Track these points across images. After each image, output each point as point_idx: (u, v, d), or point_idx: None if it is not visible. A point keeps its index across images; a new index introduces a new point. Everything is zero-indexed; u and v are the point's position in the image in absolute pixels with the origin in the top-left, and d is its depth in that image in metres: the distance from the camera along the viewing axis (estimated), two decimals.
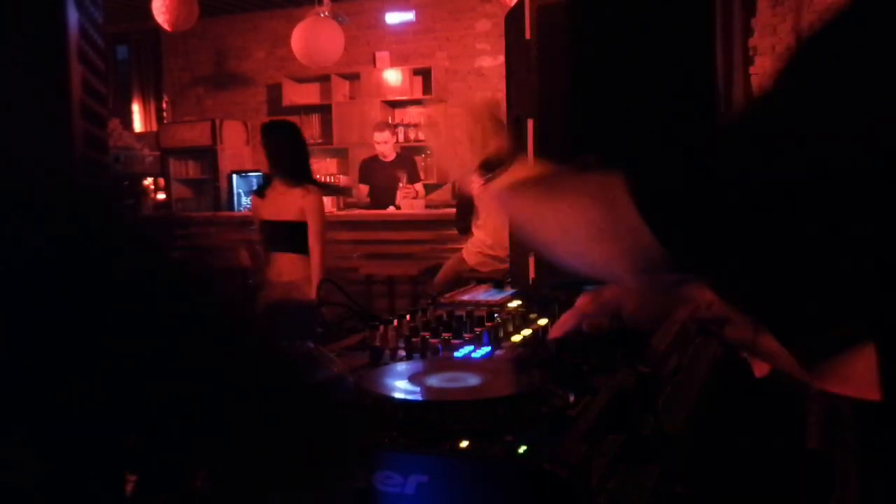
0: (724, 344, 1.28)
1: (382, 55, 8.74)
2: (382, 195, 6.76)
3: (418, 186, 7.02)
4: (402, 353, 1.04)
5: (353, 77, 8.83)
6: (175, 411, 0.45)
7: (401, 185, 6.77)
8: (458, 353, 1.03)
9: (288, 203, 3.97)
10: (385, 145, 6.83)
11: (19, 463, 0.40)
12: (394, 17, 8.67)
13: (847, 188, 0.55)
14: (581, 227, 0.75)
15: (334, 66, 7.91)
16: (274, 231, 4.06)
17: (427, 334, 1.09)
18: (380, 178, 6.86)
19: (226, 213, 8.11)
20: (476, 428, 0.72)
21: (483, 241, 5.15)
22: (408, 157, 7.31)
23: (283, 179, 4.01)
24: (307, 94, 9.13)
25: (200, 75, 9.63)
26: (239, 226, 6.93)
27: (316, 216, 3.98)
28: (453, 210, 6.04)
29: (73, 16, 0.44)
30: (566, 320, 1.08)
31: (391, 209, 6.68)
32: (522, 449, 0.67)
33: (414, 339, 1.06)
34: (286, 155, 4.08)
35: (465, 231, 5.18)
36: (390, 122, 8.57)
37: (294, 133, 4.22)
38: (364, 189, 6.92)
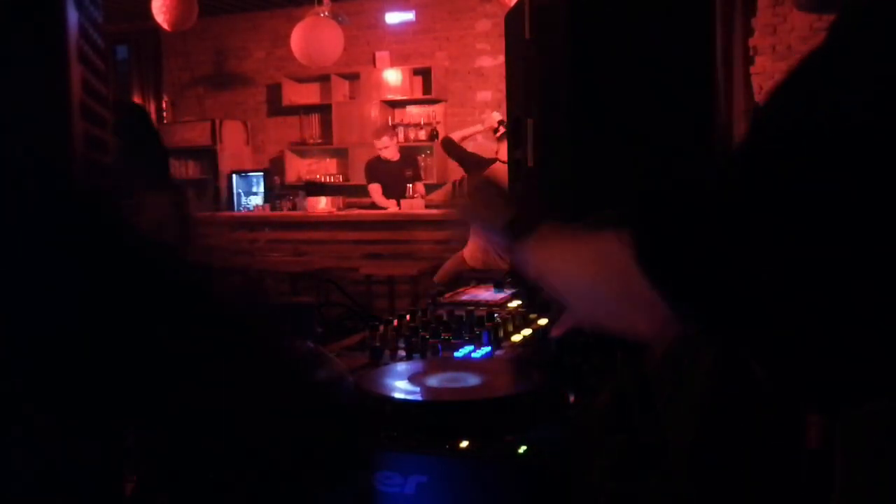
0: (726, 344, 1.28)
1: (382, 55, 8.74)
2: (390, 194, 6.83)
3: (419, 186, 7.07)
4: (402, 353, 1.04)
5: (353, 77, 8.83)
6: (175, 410, 0.45)
7: (410, 185, 6.88)
8: (458, 353, 1.03)
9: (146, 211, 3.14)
10: (387, 150, 6.90)
11: (20, 461, 0.40)
12: (394, 17, 8.67)
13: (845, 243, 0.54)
14: (603, 293, 0.75)
15: (334, 66, 7.90)
16: None
17: (427, 334, 1.09)
18: (387, 177, 6.92)
19: (226, 213, 8.11)
20: (476, 428, 0.72)
21: (483, 240, 5.16)
22: (412, 155, 7.36)
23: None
24: (307, 94, 9.13)
25: (200, 75, 9.63)
26: (239, 226, 6.94)
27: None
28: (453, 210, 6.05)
29: (73, 16, 0.44)
30: (566, 319, 1.08)
31: (392, 209, 6.73)
32: (522, 449, 0.67)
33: (414, 339, 1.06)
34: (142, 149, 2.95)
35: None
36: (390, 122, 8.58)
37: (149, 120, 3.32)
38: (377, 188, 6.95)
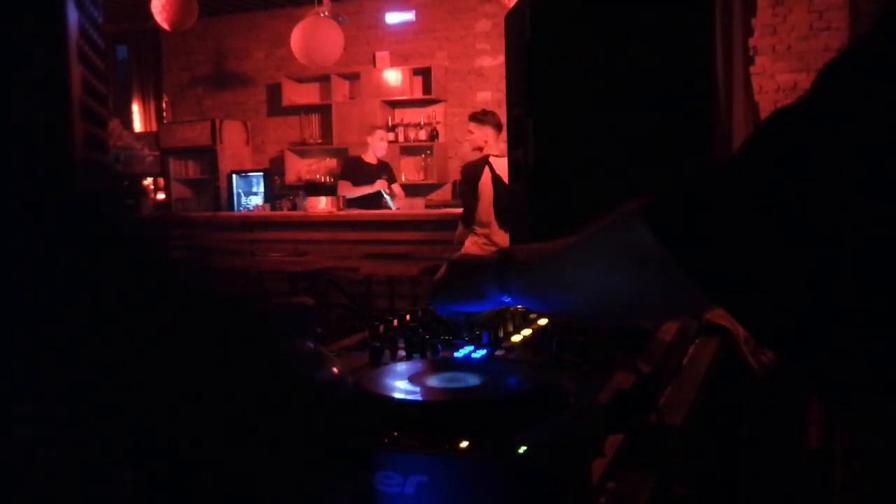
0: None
1: (382, 55, 8.74)
2: (367, 197, 6.74)
3: (396, 188, 6.95)
4: (402, 353, 1.04)
5: (353, 77, 8.83)
6: (175, 410, 0.45)
7: (385, 191, 6.75)
8: (458, 353, 1.03)
9: None
10: (381, 146, 6.76)
11: (21, 463, 0.40)
12: (394, 17, 8.67)
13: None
14: (614, 292, 0.75)
15: (334, 66, 7.91)
16: None
17: (427, 334, 1.09)
18: (361, 179, 6.80)
19: (226, 213, 8.12)
20: (476, 428, 0.72)
21: (484, 238, 5.15)
22: (388, 163, 7.19)
23: None
24: (307, 94, 9.13)
25: (200, 75, 9.63)
26: (239, 226, 6.95)
27: None
28: (453, 210, 6.04)
29: (73, 16, 0.44)
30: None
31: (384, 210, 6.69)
32: (522, 449, 0.67)
33: (414, 339, 1.06)
34: None
35: (471, 225, 5.18)
36: (389, 122, 8.57)
37: None
38: (346, 186, 6.78)
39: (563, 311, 0.97)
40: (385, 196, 6.74)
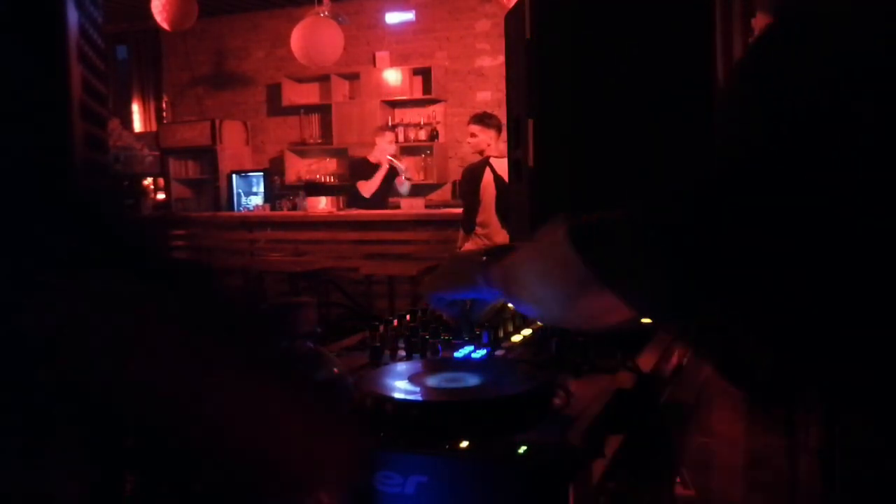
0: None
1: (382, 55, 8.74)
2: (380, 196, 6.68)
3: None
4: (402, 353, 1.04)
5: (352, 77, 8.83)
6: (175, 411, 0.45)
7: (399, 178, 6.72)
8: (458, 353, 1.03)
9: None
10: (390, 148, 6.70)
11: (21, 464, 0.40)
12: (394, 17, 8.67)
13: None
14: (548, 296, 0.78)
15: (334, 66, 7.90)
16: None
17: (427, 334, 1.09)
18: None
19: (226, 213, 8.12)
20: (476, 428, 0.72)
21: (485, 238, 5.15)
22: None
23: None
24: (307, 94, 9.13)
25: (200, 75, 9.63)
26: (239, 226, 6.95)
27: None
28: (453, 210, 6.04)
29: (73, 16, 0.44)
30: None
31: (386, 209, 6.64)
32: (522, 449, 0.67)
33: (414, 339, 1.06)
34: None
35: (472, 229, 5.16)
36: (389, 122, 8.56)
37: None
38: (365, 185, 6.65)
39: (525, 309, 0.99)
40: (397, 168, 6.67)
